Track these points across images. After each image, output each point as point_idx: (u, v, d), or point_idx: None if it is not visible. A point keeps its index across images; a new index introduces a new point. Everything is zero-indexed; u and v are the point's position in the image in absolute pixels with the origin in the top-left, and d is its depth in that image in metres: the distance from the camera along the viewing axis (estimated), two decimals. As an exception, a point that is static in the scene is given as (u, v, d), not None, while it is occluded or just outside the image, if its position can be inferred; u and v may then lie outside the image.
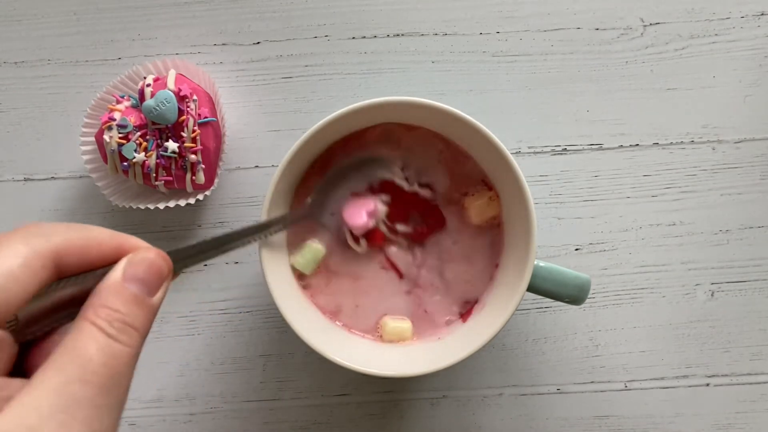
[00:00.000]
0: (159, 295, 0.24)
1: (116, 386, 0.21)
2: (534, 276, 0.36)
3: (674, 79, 0.44)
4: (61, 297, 0.22)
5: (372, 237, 0.38)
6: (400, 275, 0.39)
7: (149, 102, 0.39)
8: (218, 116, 0.41)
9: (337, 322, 0.39)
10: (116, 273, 0.23)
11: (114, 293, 0.22)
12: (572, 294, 0.36)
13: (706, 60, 0.44)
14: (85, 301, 0.22)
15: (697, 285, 0.44)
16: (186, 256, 0.27)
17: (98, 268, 0.23)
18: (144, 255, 0.24)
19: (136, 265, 0.23)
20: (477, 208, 0.38)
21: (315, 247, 0.38)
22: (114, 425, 0.20)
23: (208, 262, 0.31)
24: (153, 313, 0.23)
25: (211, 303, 0.44)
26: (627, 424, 0.44)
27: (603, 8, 0.44)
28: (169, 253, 0.25)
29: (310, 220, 0.38)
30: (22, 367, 0.22)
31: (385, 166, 0.38)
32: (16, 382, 0.20)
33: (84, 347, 0.20)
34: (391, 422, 0.44)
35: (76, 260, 0.22)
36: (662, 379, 0.44)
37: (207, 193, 0.42)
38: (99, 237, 0.23)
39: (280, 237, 0.38)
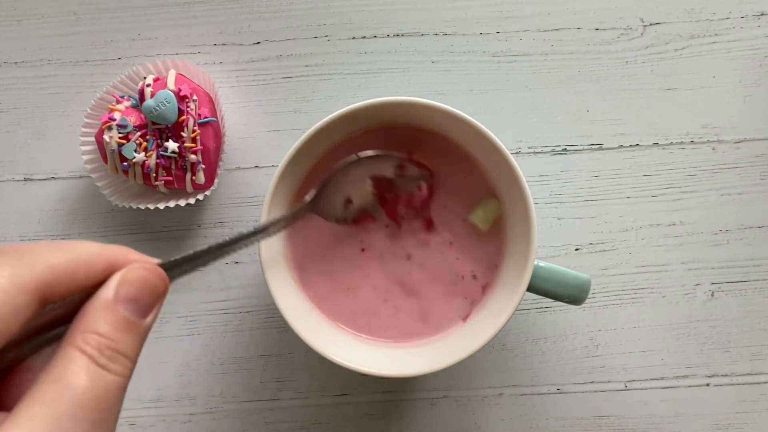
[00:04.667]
0: (152, 315, 0.22)
1: (107, 419, 0.19)
2: (534, 276, 0.36)
3: (674, 79, 0.44)
4: (43, 322, 0.21)
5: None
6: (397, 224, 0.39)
7: (149, 102, 0.39)
8: (218, 116, 0.41)
9: (338, 323, 0.39)
10: (107, 293, 0.21)
11: (104, 317, 0.20)
12: (572, 294, 0.36)
13: (706, 60, 0.44)
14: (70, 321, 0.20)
15: (697, 285, 0.44)
16: (179, 265, 0.25)
17: (89, 289, 0.21)
18: (138, 273, 0.21)
19: (129, 284, 0.21)
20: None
21: (494, 203, 0.38)
22: None
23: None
24: (144, 336, 0.21)
25: (211, 303, 0.44)
26: (627, 424, 0.44)
27: (603, 8, 0.44)
28: (161, 265, 0.23)
29: (311, 213, 0.36)
30: None
31: (383, 162, 0.38)
32: None
33: (74, 378, 0.19)
34: (391, 422, 0.44)
35: (64, 287, 0.20)
36: (662, 379, 0.44)
37: (207, 193, 0.42)
38: (87, 257, 0.21)
39: (279, 238, 0.38)
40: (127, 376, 0.20)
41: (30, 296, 0.19)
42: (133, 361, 0.21)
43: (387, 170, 0.38)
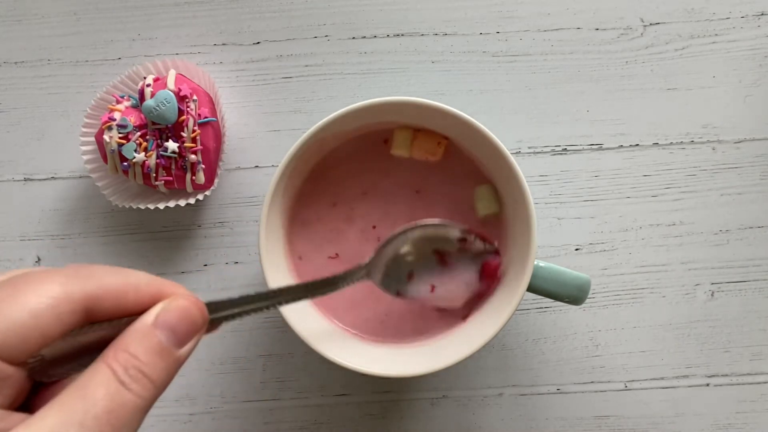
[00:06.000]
0: (187, 347, 0.22)
1: None
2: (534, 276, 0.36)
3: (674, 79, 0.44)
4: (90, 340, 0.21)
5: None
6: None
7: (149, 102, 0.39)
8: (218, 116, 0.41)
9: (338, 323, 0.39)
10: (147, 317, 0.21)
11: (138, 338, 0.21)
12: (572, 294, 0.36)
13: (706, 60, 0.44)
14: None
15: (697, 285, 0.44)
16: (224, 308, 0.25)
17: (134, 314, 0.22)
18: (179, 303, 0.22)
19: (170, 312, 0.22)
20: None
21: (487, 188, 0.38)
22: None
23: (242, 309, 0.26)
24: (176, 366, 0.22)
25: (211, 303, 0.44)
26: (627, 424, 0.44)
27: (603, 8, 0.44)
28: (207, 304, 0.23)
29: (365, 280, 0.34)
30: (31, 406, 0.21)
31: (442, 231, 0.35)
32: (17, 416, 0.20)
33: (92, 390, 0.19)
34: (391, 422, 0.44)
35: (111, 306, 0.21)
36: (662, 379, 0.44)
37: (207, 193, 0.42)
38: (137, 282, 0.22)
39: (279, 238, 0.38)
40: (148, 399, 0.21)
41: (76, 305, 0.20)
42: (157, 387, 0.21)
43: (448, 243, 0.36)
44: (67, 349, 0.21)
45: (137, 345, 0.21)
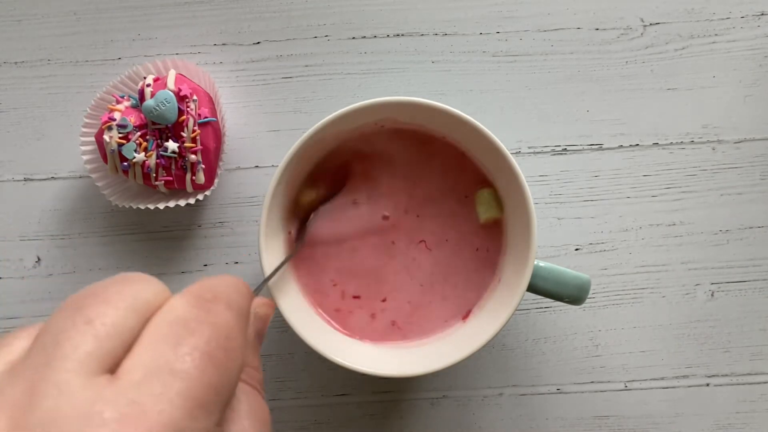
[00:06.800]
0: None
1: None
2: (534, 276, 0.36)
3: (674, 79, 0.44)
4: None
5: None
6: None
7: (149, 102, 0.39)
8: (218, 116, 0.41)
9: (337, 324, 0.39)
10: (251, 331, 0.24)
11: (253, 353, 0.24)
12: (572, 294, 0.36)
13: (706, 60, 0.44)
14: None
15: (697, 285, 0.44)
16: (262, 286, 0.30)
17: None
18: (264, 310, 0.25)
19: (260, 321, 0.25)
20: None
21: (488, 192, 0.38)
22: None
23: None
24: None
25: (211, 303, 0.44)
26: (627, 424, 0.44)
27: (603, 8, 0.44)
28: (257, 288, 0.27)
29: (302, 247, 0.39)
30: None
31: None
32: None
33: (262, 413, 0.22)
34: (391, 422, 0.44)
35: None
36: (662, 379, 0.44)
37: (207, 193, 0.42)
38: (244, 305, 0.22)
39: (279, 238, 0.38)
40: None
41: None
42: None
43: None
44: None
45: (255, 359, 0.24)
